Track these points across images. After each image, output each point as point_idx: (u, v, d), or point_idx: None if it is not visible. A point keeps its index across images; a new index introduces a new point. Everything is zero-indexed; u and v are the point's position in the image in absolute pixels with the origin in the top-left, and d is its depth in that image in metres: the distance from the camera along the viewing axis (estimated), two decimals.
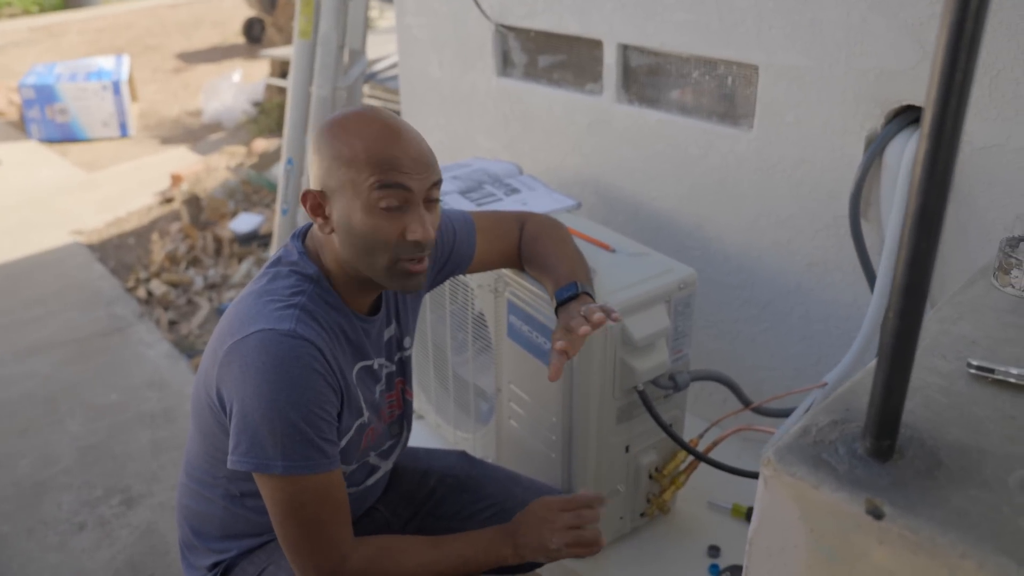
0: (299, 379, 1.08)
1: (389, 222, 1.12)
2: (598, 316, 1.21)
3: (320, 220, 1.16)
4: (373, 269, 1.16)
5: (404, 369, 1.40)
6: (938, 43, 0.58)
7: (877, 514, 0.68)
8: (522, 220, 1.53)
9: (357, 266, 1.17)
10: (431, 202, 1.17)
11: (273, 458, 1.08)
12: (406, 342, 1.40)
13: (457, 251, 1.44)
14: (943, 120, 0.60)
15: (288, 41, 6.52)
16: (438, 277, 1.46)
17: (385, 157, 1.11)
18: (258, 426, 1.08)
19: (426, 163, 1.15)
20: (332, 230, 1.16)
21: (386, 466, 1.40)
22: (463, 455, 1.59)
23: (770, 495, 0.76)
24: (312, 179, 1.17)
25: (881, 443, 0.73)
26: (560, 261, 1.42)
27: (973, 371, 0.85)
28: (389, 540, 1.25)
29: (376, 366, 1.30)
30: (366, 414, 1.25)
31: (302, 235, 1.24)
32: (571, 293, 1.33)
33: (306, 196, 1.16)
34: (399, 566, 1.20)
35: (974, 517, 0.67)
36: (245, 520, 1.28)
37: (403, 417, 1.41)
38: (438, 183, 1.17)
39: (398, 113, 3.25)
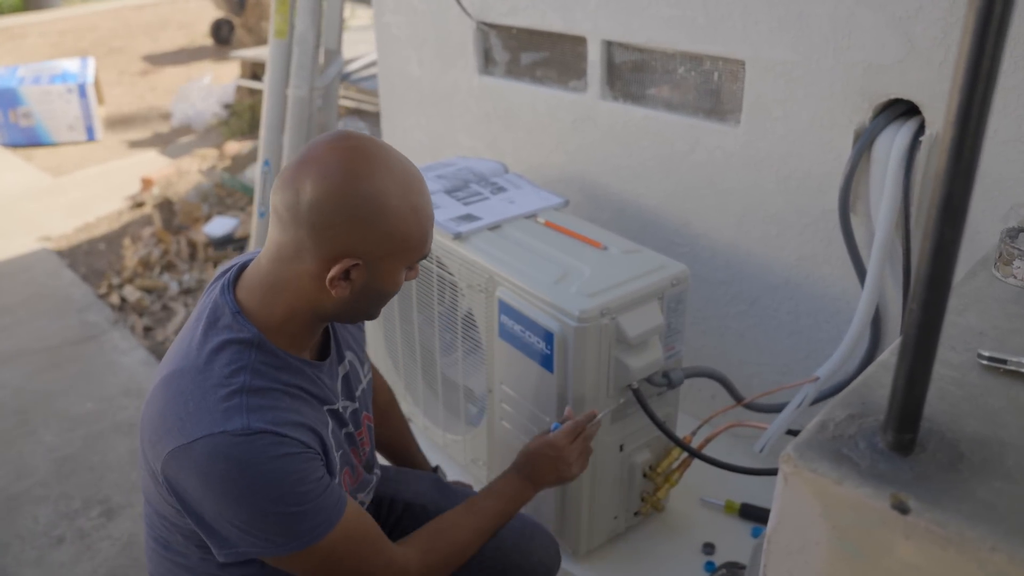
0: (273, 472, 0.99)
1: (406, 273, 1.15)
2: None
3: (342, 284, 1.06)
4: (370, 315, 1.18)
5: (366, 400, 1.34)
6: (965, 28, 0.57)
7: (903, 509, 0.67)
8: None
9: (347, 315, 1.13)
10: None
11: (284, 542, 1.03)
12: (364, 369, 1.34)
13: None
14: (969, 107, 0.59)
15: (258, 42, 6.45)
16: None
17: (432, 224, 1.13)
18: (249, 526, 1.01)
19: None
20: (351, 292, 1.08)
21: (368, 499, 1.34)
22: (435, 481, 1.56)
23: (790, 492, 0.75)
24: (337, 245, 1.03)
25: (903, 437, 0.72)
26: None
27: (985, 362, 0.85)
28: (430, 526, 1.24)
29: (341, 409, 1.22)
30: (336, 462, 1.17)
31: (231, 286, 1.11)
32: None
33: (345, 271, 1.05)
34: (454, 543, 1.22)
35: (1001, 510, 0.66)
36: None
37: (373, 448, 1.37)
38: None
39: (378, 112, 3.20)
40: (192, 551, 1.15)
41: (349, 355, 1.29)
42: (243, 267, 1.15)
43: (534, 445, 1.37)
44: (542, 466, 1.34)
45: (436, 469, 1.68)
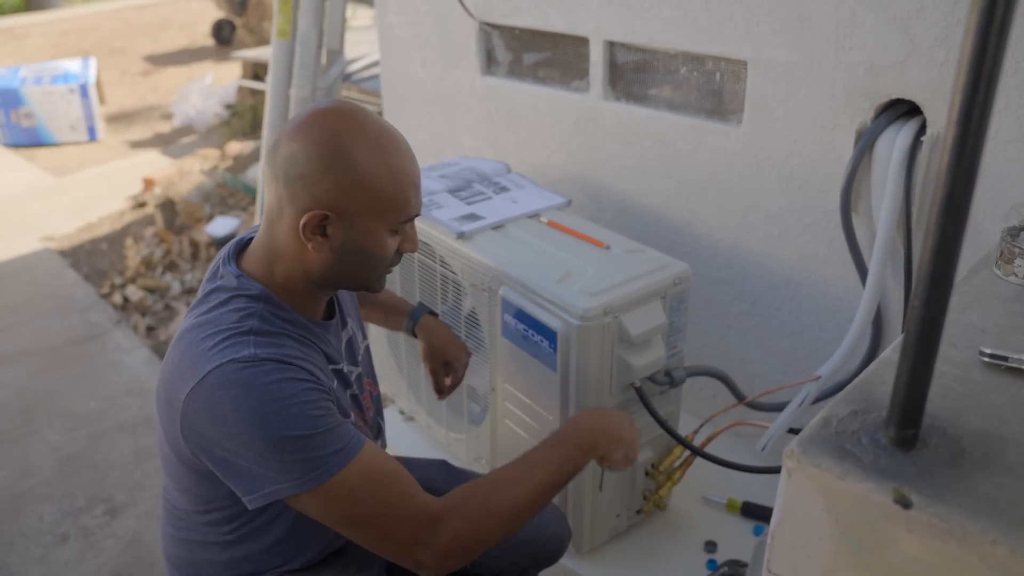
0: (278, 394, 1.00)
1: (395, 240, 1.14)
2: None
3: (317, 240, 1.07)
4: (364, 280, 1.16)
5: (368, 366, 1.38)
6: (967, 28, 0.58)
7: (905, 503, 0.68)
8: None
9: (338, 278, 1.13)
10: None
11: (303, 475, 1.00)
12: (362, 339, 1.37)
13: None
14: (971, 106, 0.60)
15: (259, 42, 6.46)
16: None
17: (409, 188, 1.10)
18: (264, 457, 0.99)
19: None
20: (330, 250, 1.08)
21: None
22: (443, 464, 1.55)
23: (794, 487, 0.75)
24: (311, 195, 1.04)
25: (905, 432, 0.73)
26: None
27: (986, 359, 0.86)
28: (475, 483, 1.15)
29: (346, 370, 1.23)
30: (352, 415, 1.21)
31: (234, 258, 1.14)
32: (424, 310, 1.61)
33: (312, 219, 1.06)
34: (492, 511, 1.11)
35: (1003, 504, 0.67)
36: (247, 560, 1.20)
37: (377, 415, 1.38)
38: None
39: (380, 113, 3.23)
40: (210, 529, 1.17)
41: (351, 322, 1.32)
42: (242, 242, 1.18)
43: (609, 417, 1.30)
44: (610, 436, 1.25)
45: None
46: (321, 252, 1.08)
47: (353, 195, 1.06)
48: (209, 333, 1.05)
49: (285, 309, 1.11)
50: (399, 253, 1.17)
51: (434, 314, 1.64)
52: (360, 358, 1.33)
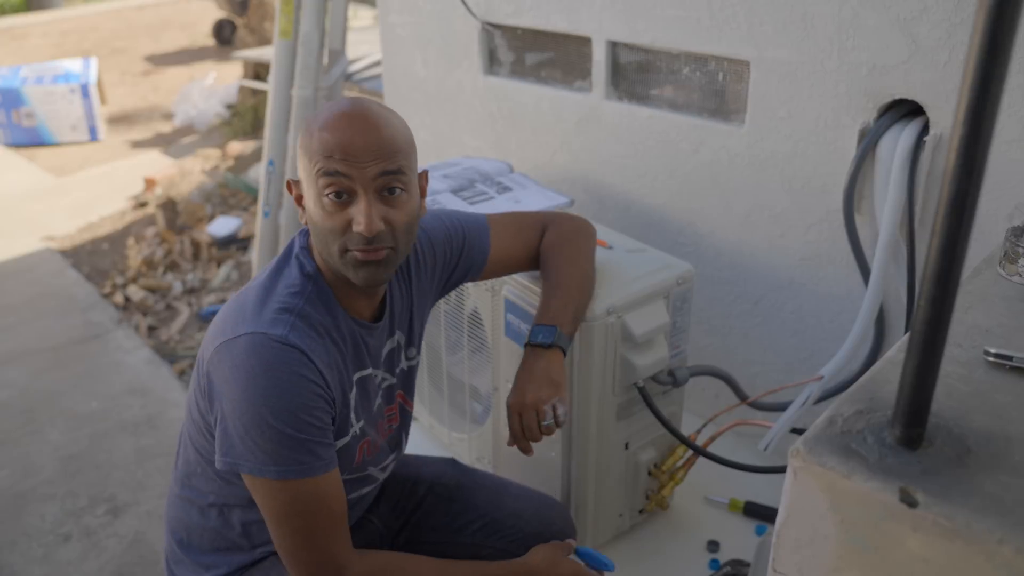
0: (287, 385, 1.05)
1: (335, 212, 1.09)
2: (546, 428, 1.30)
3: (301, 210, 1.17)
4: (332, 260, 1.13)
5: (406, 381, 1.35)
6: (976, 24, 0.58)
7: (911, 502, 0.68)
8: (545, 224, 1.48)
9: (325, 259, 1.15)
10: (388, 193, 1.10)
11: (264, 463, 1.06)
12: (411, 352, 1.35)
13: (467, 256, 1.40)
14: (979, 103, 0.60)
15: (260, 42, 6.46)
16: (449, 283, 1.41)
17: (330, 144, 1.06)
18: (247, 430, 1.05)
19: (376, 151, 1.07)
20: (307, 221, 1.15)
21: (382, 477, 1.36)
22: (452, 462, 1.55)
23: (799, 486, 0.76)
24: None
25: (911, 431, 0.73)
26: (558, 287, 1.40)
27: (991, 359, 0.86)
28: (393, 558, 1.21)
29: (375, 377, 1.25)
30: (356, 426, 1.21)
31: (307, 231, 1.21)
32: (544, 342, 1.33)
33: (289, 186, 1.20)
34: None
35: (1008, 503, 0.67)
36: (236, 534, 1.23)
37: (401, 429, 1.37)
38: (394, 172, 1.09)
39: None
40: (210, 486, 1.21)
41: (400, 334, 1.31)
42: None
43: (546, 551, 1.31)
44: (546, 569, 1.28)
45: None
46: (302, 220, 1.16)
47: (299, 159, 1.13)
48: (262, 298, 1.12)
49: (328, 296, 1.16)
50: (354, 233, 1.09)
51: (552, 346, 1.34)
52: (399, 370, 1.32)
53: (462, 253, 1.39)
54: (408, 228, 1.14)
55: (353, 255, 1.10)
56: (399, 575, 1.18)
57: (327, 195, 1.08)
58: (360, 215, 1.08)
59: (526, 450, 1.33)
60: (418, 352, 1.37)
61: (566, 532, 1.50)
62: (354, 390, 1.20)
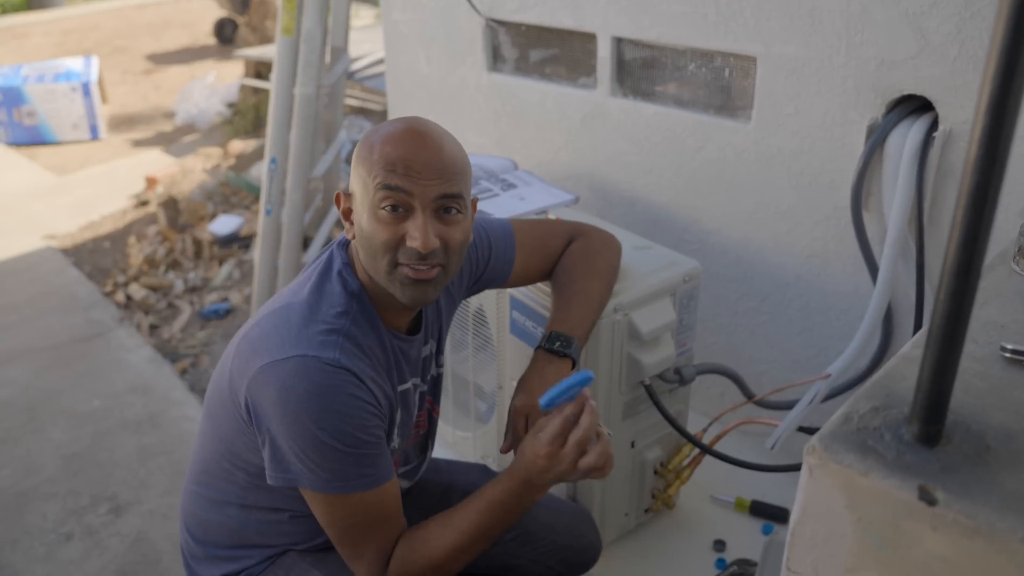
0: (343, 407, 1.06)
1: (391, 225, 1.08)
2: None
3: (348, 224, 1.15)
4: (379, 275, 1.12)
5: (435, 388, 1.37)
6: (999, 12, 0.57)
7: (930, 500, 0.67)
8: (572, 235, 1.46)
9: (371, 274, 1.14)
10: (443, 212, 1.10)
11: (328, 480, 1.08)
12: (440, 359, 1.37)
13: (493, 266, 1.39)
14: (1004, 94, 0.58)
15: (262, 41, 6.45)
16: (472, 290, 1.41)
17: (393, 158, 1.07)
18: (305, 451, 1.06)
19: (438, 170, 1.08)
20: (354, 236, 1.14)
21: (408, 484, 1.37)
22: (484, 470, 1.57)
23: (815, 484, 0.74)
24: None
25: (929, 428, 0.71)
26: (572, 298, 1.37)
27: (1008, 355, 0.84)
28: (408, 534, 1.18)
29: (412, 388, 1.26)
30: (396, 440, 1.23)
31: (346, 244, 1.20)
32: (560, 350, 1.30)
33: (338, 198, 1.17)
34: (427, 556, 1.15)
35: None
36: (257, 530, 1.24)
37: (427, 436, 1.37)
38: (453, 195, 1.10)
39: (383, 111, 3.19)
40: (229, 485, 1.22)
41: (432, 343, 1.33)
42: None
43: (525, 447, 1.17)
44: (535, 467, 1.14)
45: None
46: (350, 235, 1.15)
47: (354, 170, 1.12)
48: (307, 318, 1.10)
49: (373, 314, 1.16)
50: (406, 247, 1.08)
51: (559, 354, 1.31)
52: (430, 376, 1.34)
53: (488, 264, 1.38)
54: (460, 249, 1.14)
55: (403, 272, 1.10)
56: (419, 544, 1.16)
57: (384, 207, 1.08)
58: (416, 231, 1.08)
59: None
60: (444, 360, 1.38)
61: (595, 544, 1.53)
62: (399, 408, 1.21)
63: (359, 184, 1.11)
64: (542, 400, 1.12)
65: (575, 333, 1.33)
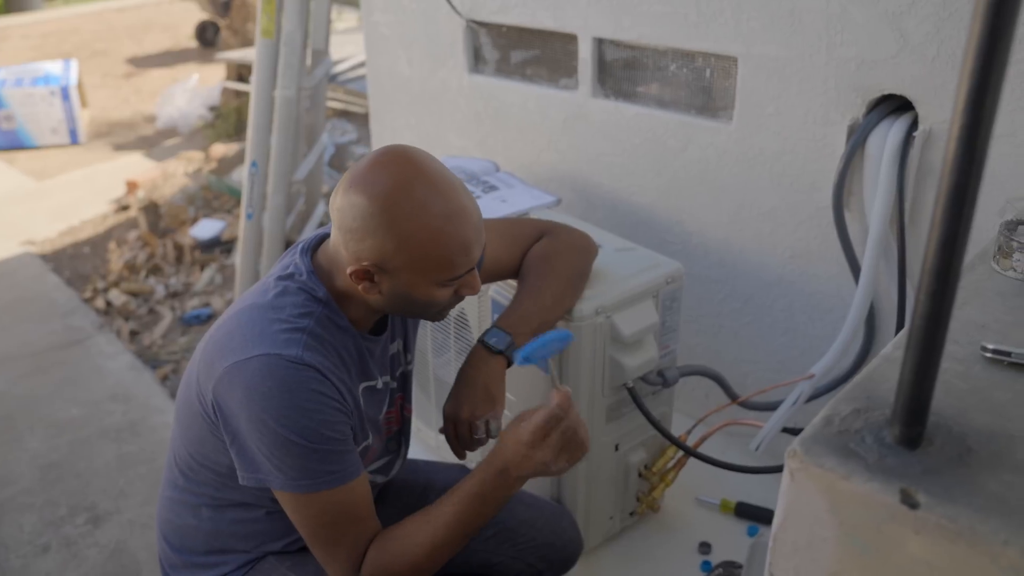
0: (307, 404, 1.06)
1: (447, 290, 1.13)
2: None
3: (366, 284, 1.10)
4: (419, 316, 1.20)
5: (405, 384, 1.37)
6: (976, 10, 0.56)
7: (912, 503, 0.66)
8: (543, 233, 1.45)
9: (393, 312, 1.18)
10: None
11: (295, 478, 1.08)
12: (408, 357, 1.36)
13: None
14: (981, 92, 0.58)
15: (243, 44, 6.40)
16: None
17: (462, 251, 1.08)
18: (271, 450, 1.06)
19: (482, 235, 1.12)
20: (379, 293, 1.12)
21: (383, 480, 1.36)
22: (463, 469, 1.55)
23: (797, 488, 0.73)
24: (356, 249, 1.07)
25: (911, 430, 0.71)
26: (523, 295, 1.37)
27: (989, 355, 0.84)
28: (384, 534, 1.16)
29: (380, 385, 1.26)
30: (370, 436, 1.23)
31: (310, 250, 1.18)
32: (495, 346, 1.29)
33: (360, 273, 1.09)
34: (404, 554, 1.13)
35: (1012, 503, 0.65)
36: (230, 534, 1.24)
37: (401, 433, 1.37)
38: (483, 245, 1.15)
39: (365, 113, 3.17)
40: (203, 489, 1.21)
41: (399, 340, 1.32)
42: (320, 237, 1.21)
43: (506, 434, 1.16)
44: (515, 455, 1.13)
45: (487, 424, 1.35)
46: (372, 295, 1.12)
47: (393, 256, 1.07)
48: (270, 318, 1.10)
49: (341, 317, 1.16)
50: (458, 296, 1.16)
51: (498, 353, 1.30)
52: (399, 373, 1.34)
53: None
54: None
55: (446, 311, 1.19)
56: (394, 543, 1.14)
57: (451, 283, 1.12)
58: (471, 286, 1.15)
59: (460, 457, 1.34)
60: (413, 358, 1.39)
61: (576, 541, 1.53)
62: (361, 402, 1.20)
63: (409, 263, 1.07)
64: (519, 355, 1.19)
65: (514, 330, 1.31)
